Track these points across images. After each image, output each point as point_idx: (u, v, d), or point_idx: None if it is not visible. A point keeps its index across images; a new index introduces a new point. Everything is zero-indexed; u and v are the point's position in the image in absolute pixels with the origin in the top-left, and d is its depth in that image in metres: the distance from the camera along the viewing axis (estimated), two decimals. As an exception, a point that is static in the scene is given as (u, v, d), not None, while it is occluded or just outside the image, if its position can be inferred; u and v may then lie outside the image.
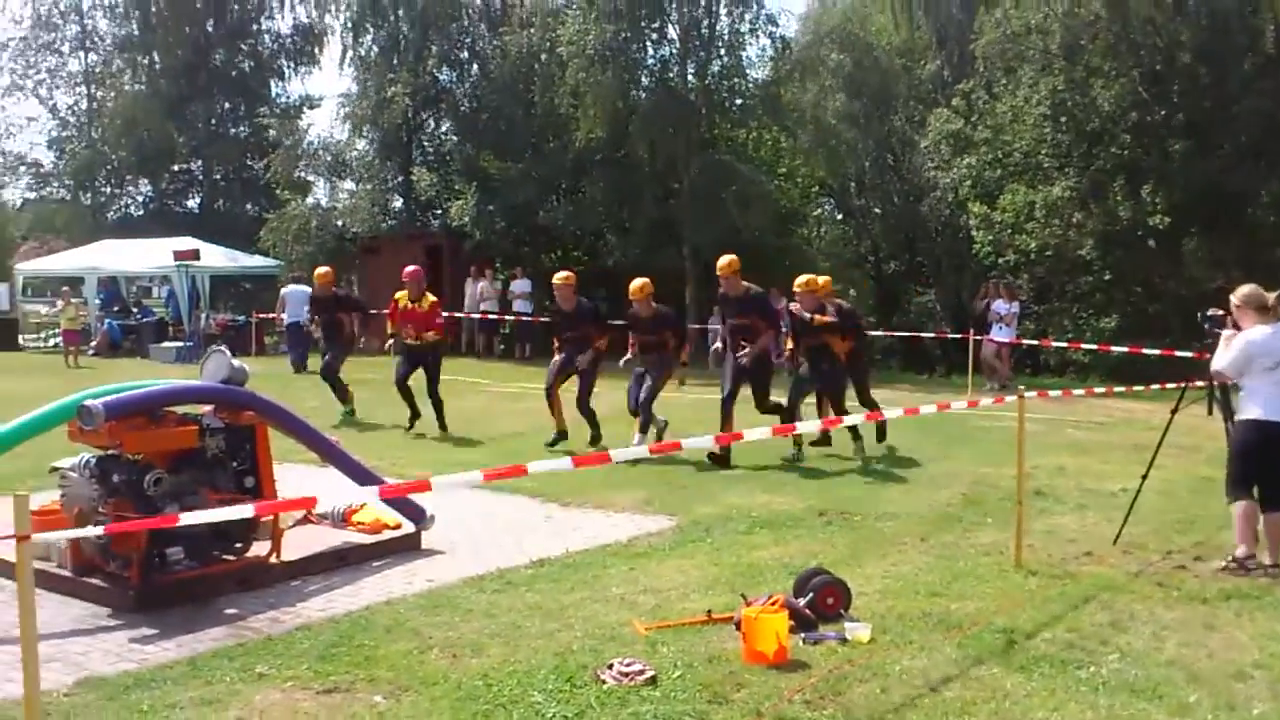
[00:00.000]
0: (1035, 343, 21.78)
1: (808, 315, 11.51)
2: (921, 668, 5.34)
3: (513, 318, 26.03)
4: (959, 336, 20.72)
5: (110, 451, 6.65)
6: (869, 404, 12.21)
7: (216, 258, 30.08)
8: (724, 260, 11.49)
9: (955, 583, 6.87)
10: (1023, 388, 7.77)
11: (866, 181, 29.76)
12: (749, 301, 11.51)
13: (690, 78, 26.36)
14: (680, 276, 24.86)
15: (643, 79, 26.74)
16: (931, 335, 25.07)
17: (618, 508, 9.21)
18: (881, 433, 12.36)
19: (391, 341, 14.42)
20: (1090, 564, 7.44)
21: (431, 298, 13.68)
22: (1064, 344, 21.20)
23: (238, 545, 6.97)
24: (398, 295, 13.75)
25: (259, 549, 7.06)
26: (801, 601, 5.97)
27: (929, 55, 29.44)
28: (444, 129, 32.29)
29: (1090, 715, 4.83)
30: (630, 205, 26.24)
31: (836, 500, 9.47)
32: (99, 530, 5.42)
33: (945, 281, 28.17)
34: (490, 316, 26.29)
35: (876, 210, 29.26)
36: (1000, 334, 20.01)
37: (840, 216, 32.74)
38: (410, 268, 13.94)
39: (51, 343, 28.11)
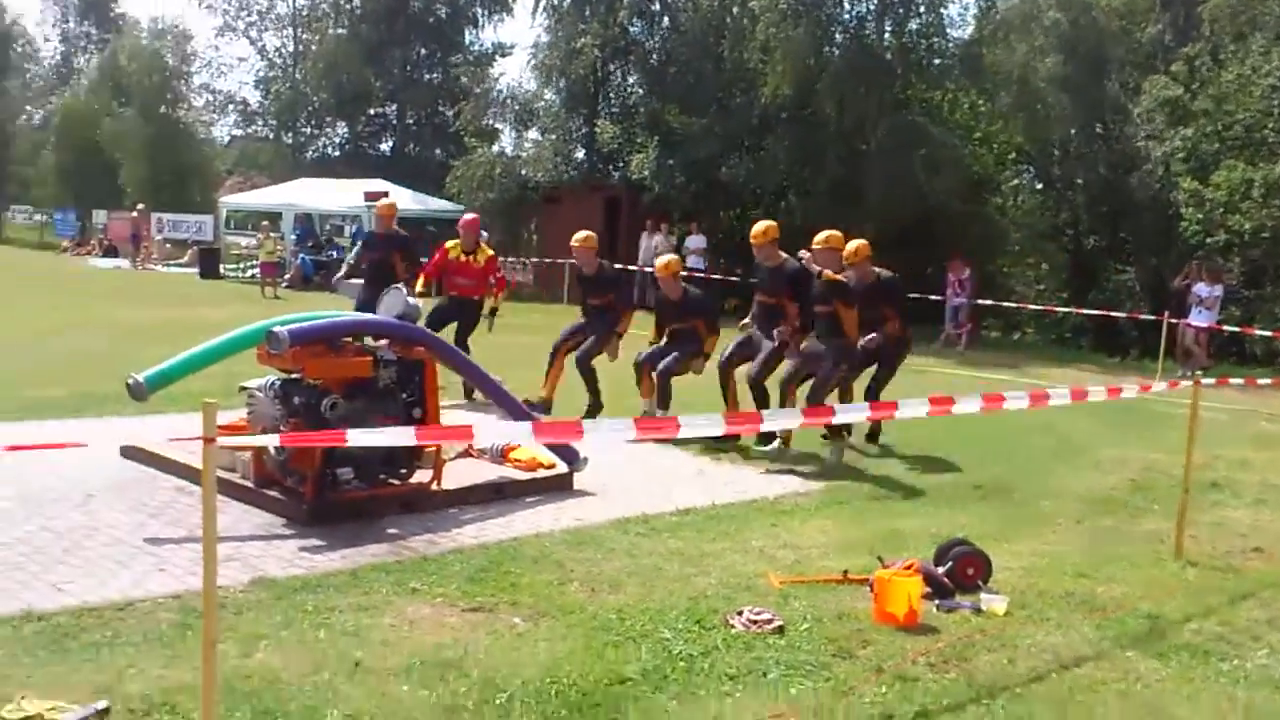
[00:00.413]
0: (1237, 329, 20.68)
1: (815, 269, 9.87)
2: (1054, 644, 5.33)
3: (686, 273, 26.16)
4: (1154, 318, 19.88)
5: (293, 375, 7.09)
6: (876, 395, 10.39)
7: (404, 200, 31.09)
8: (759, 227, 10.15)
9: (1106, 566, 6.76)
10: (1199, 374, 7.53)
11: (1071, 150, 28.42)
12: (781, 275, 10.03)
13: (887, 35, 25.80)
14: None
15: (836, 35, 26.21)
16: (1124, 315, 23.91)
17: (767, 467, 9.30)
18: (874, 433, 10.68)
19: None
20: (1257, 560, 7.20)
21: (489, 251, 12.33)
22: (1269, 333, 20.08)
23: (403, 471, 7.36)
24: (448, 244, 12.13)
25: (422, 477, 7.43)
26: (940, 570, 5.99)
27: (1151, 17, 27.90)
28: (630, 81, 32.50)
29: (1226, 706, 4.75)
30: (813, 165, 25.85)
31: (994, 476, 9.36)
32: (275, 441, 5.81)
33: (1146, 260, 26.85)
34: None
35: (1079, 180, 27.98)
36: (1199, 318, 19.07)
37: (1039, 186, 31.46)
38: (467, 216, 12.56)
39: (250, 274, 29.55)
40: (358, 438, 4.60)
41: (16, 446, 4.50)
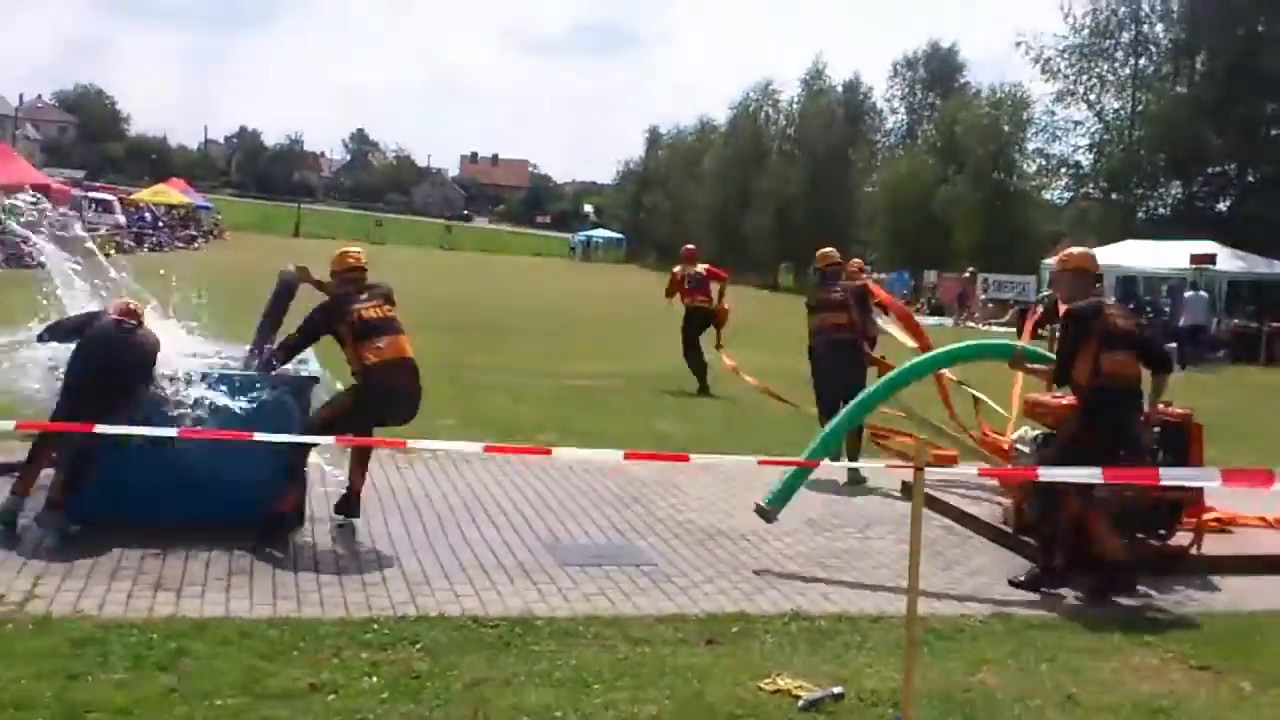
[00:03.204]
0: None
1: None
2: None
3: None
4: None
5: (1053, 431, 7.47)
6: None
7: (1233, 262, 29.45)
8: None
9: None
10: None
11: None
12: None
13: None
14: None
15: None
16: None
17: None
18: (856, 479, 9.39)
19: None
20: None
21: None
22: None
23: (1162, 532, 7.37)
24: None
25: (1182, 539, 7.38)
26: None
27: None
28: None
29: None
30: None
31: None
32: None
33: None
34: None
35: None
36: None
37: None
38: None
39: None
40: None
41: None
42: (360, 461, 7.09)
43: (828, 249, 10.86)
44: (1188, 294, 26.60)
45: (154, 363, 6.61)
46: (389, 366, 6.76)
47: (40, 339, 6.73)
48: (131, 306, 6.80)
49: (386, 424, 7.08)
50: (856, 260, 12.07)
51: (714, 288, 15.29)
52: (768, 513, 7.36)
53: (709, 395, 14.38)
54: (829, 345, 10.10)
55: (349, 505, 7.06)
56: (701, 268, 15.36)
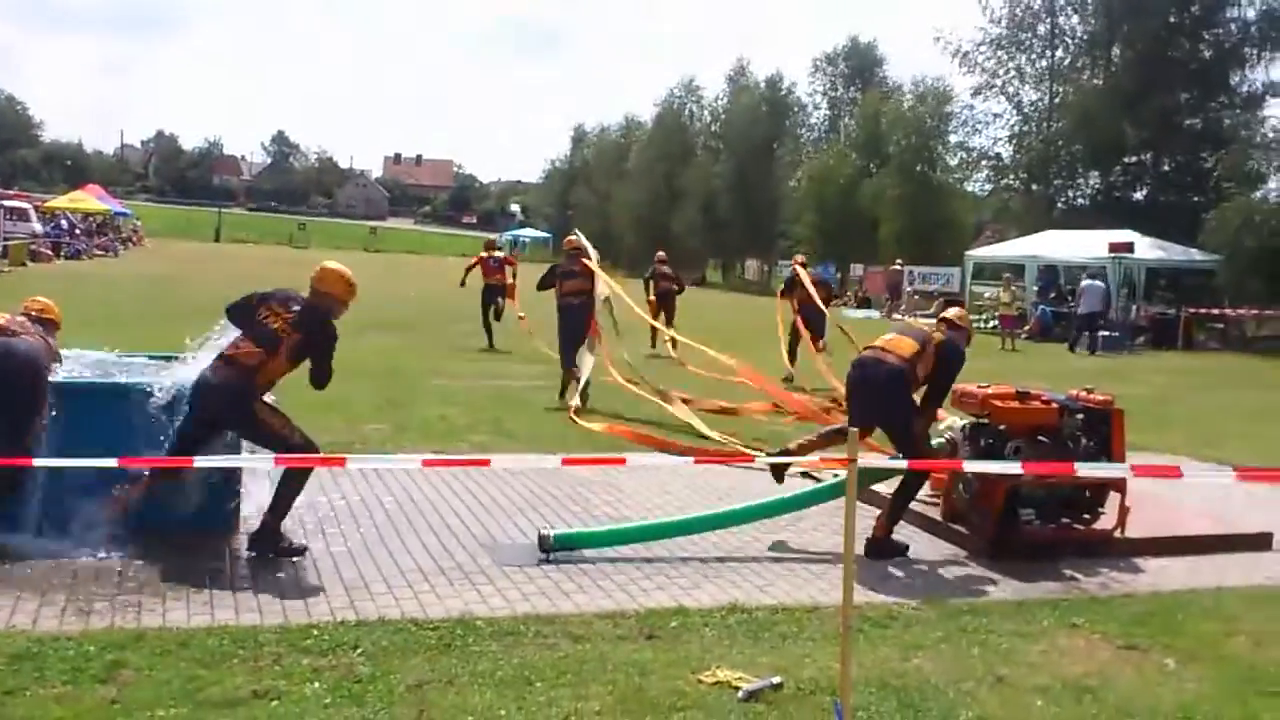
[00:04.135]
0: None
1: None
2: None
3: None
4: None
5: (982, 420, 7.64)
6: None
7: (1151, 251, 30.17)
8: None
9: None
10: None
11: None
12: None
13: None
14: None
15: None
16: None
17: None
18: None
19: None
20: None
21: None
22: None
23: (1085, 516, 7.57)
24: None
25: (1106, 522, 7.58)
26: None
27: None
28: None
29: None
30: None
31: None
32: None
33: None
34: None
35: None
36: None
37: None
38: None
39: (990, 325, 30.38)
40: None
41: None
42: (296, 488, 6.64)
43: (570, 237, 14.48)
44: (1084, 283, 27.32)
45: (36, 373, 6.47)
46: None
47: None
48: (18, 316, 6.72)
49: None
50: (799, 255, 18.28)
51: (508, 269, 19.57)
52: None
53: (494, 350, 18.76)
54: (567, 308, 13.44)
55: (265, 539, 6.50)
56: (500, 254, 20.31)
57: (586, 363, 12.93)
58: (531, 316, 16.59)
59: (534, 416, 12.08)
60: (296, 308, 6.68)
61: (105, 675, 4.61)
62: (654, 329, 18.09)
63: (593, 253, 13.94)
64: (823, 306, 16.06)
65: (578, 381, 12.68)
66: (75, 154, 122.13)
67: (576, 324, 13.26)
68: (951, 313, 7.94)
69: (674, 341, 15.71)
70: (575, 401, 12.24)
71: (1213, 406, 16.49)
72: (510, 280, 19.27)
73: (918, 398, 7.45)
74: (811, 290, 15.92)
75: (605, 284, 13.52)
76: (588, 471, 8.98)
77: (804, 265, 17.47)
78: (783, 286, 17.61)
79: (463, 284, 20.61)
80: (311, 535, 6.92)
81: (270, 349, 6.50)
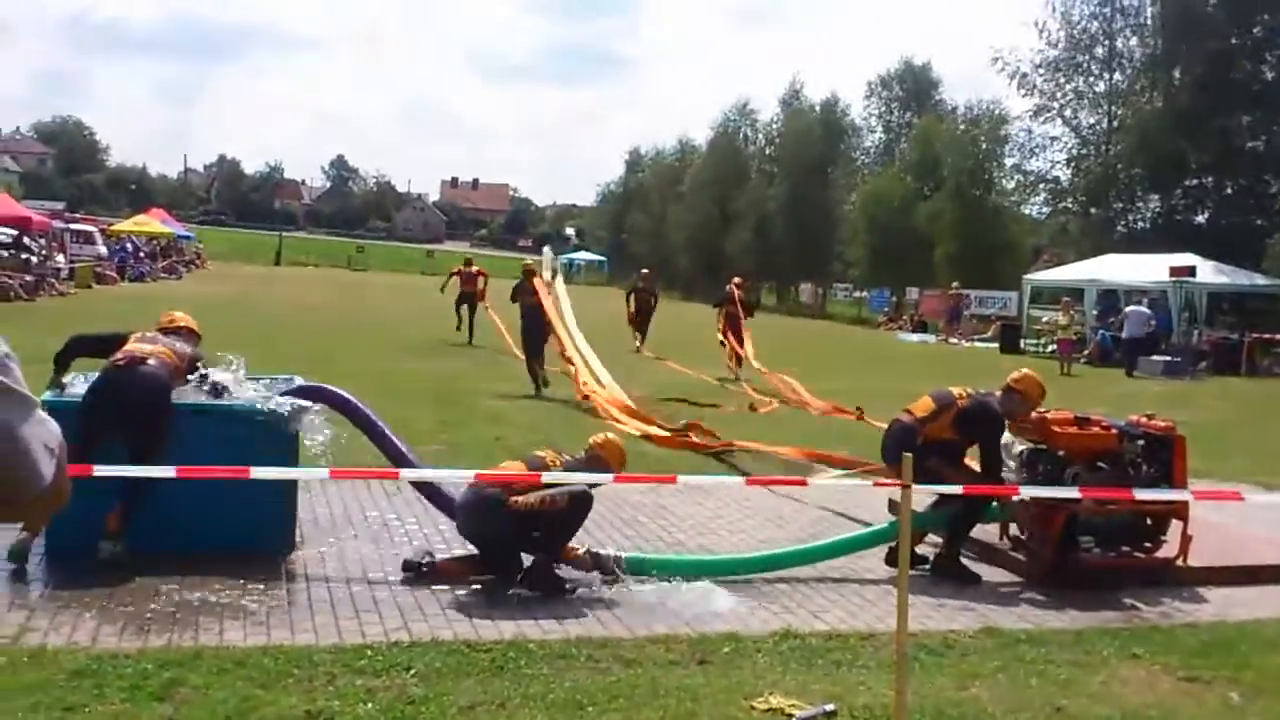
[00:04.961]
0: None
1: None
2: None
3: None
4: None
5: (1040, 446, 7.54)
6: None
7: (1214, 275, 29.73)
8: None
9: None
10: None
11: None
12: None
13: None
14: None
15: None
16: None
17: None
18: None
19: None
20: None
21: None
22: None
23: (1147, 544, 7.43)
24: None
25: (1169, 550, 7.44)
26: None
27: None
28: None
29: None
30: None
31: None
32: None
33: None
34: None
35: None
36: None
37: None
38: None
39: (1049, 349, 30.01)
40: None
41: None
42: None
43: (527, 262, 18.85)
44: (1129, 308, 27.16)
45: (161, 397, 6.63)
46: None
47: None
48: (145, 350, 6.81)
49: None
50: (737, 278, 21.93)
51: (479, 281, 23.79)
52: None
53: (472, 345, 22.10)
54: (529, 313, 16.22)
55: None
56: (475, 268, 24.37)
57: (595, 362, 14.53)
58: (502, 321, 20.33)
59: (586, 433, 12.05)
60: None
61: (163, 693, 4.66)
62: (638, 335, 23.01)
63: (549, 275, 17.05)
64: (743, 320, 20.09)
65: (543, 369, 15.88)
66: (140, 178, 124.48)
67: (535, 325, 16.09)
68: (1013, 376, 7.71)
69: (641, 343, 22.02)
70: (585, 387, 13.61)
71: (1277, 433, 16.16)
72: (481, 286, 23.84)
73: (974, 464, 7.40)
74: (739, 307, 20.19)
75: (550, 310, 15.77)
76: (638, 491, 8.98)
77: (739, 286, 21.10)
78: (716, 301, 21.78)
79: (442, 290, 25.20)
80: (366, 551, 6.98)
81: None
